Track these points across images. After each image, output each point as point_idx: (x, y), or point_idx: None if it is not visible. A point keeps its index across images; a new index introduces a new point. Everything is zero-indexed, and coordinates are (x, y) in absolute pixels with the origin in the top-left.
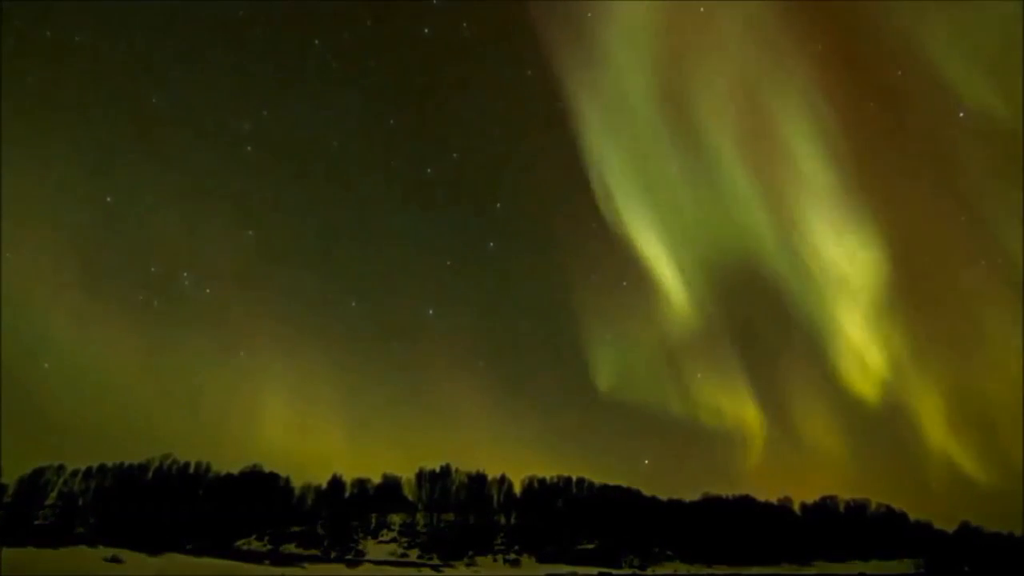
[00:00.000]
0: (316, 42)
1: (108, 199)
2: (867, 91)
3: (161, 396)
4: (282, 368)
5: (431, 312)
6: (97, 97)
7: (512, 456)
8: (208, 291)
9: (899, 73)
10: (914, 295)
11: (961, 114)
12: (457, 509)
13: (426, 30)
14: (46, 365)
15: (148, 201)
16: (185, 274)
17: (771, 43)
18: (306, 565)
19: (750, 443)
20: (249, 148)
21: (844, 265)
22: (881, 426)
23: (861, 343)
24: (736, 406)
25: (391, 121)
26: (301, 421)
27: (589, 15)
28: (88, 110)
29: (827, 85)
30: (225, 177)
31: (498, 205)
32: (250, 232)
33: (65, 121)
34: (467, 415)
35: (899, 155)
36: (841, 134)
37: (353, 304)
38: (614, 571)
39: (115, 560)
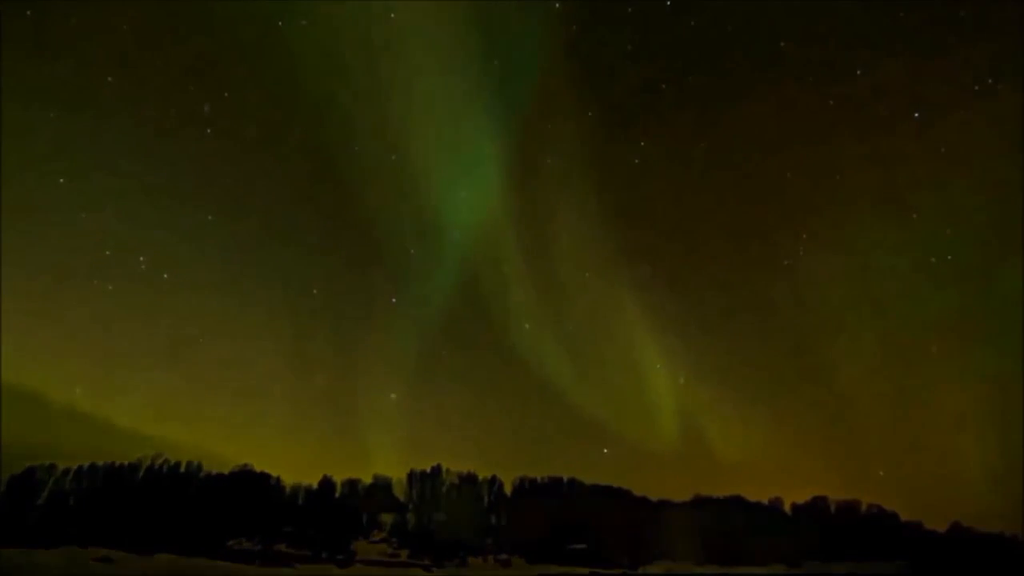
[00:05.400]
0: (279, 24)
1: (60, 180)
2: None
3: (127, 389)
4: (245, 357)
5: (394, 300)
6: (49, 77)
7: (501, 455)
8: (166, 276)
9: None
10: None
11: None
12: (448, 509)
13: (392, 15)
14: None
15: (103, 183)
16: (141, 258)
17: None
18: (297, 565)
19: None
20: (209, 131)
21: None
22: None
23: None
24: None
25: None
26: (252, 413)
27: None
28: (39, 90)
29: None
30: (184, 160)
31: (462, 194)
32: (209, 217)
33: (14, 101)
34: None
35: None
36: None
37: (315, 292)
38: (604, 571)
39: (106, 560)
